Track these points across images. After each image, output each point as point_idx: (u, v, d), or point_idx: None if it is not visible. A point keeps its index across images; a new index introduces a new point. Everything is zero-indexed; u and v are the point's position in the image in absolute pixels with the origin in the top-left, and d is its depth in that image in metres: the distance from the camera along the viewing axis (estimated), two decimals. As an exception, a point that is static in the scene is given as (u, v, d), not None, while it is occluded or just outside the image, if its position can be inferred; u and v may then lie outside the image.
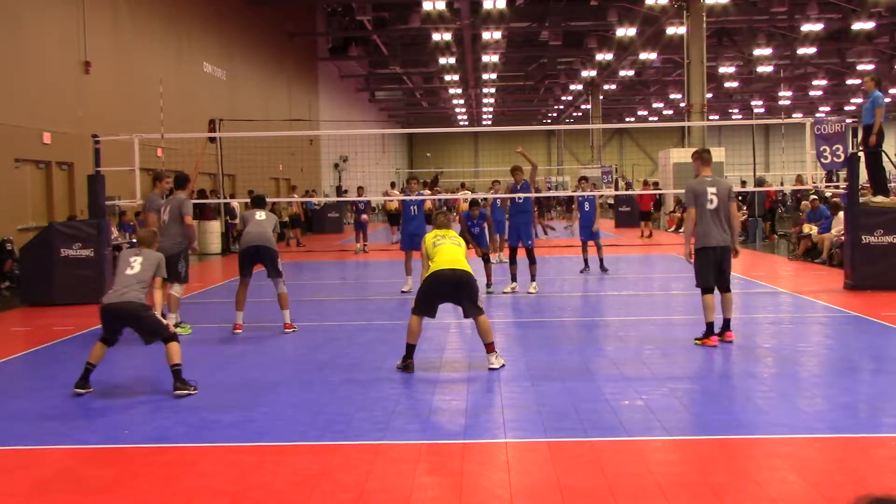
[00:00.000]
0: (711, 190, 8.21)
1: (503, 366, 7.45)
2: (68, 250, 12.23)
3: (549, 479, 4.67)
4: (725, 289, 8.39)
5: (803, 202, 19.12)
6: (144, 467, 5.07)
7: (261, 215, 9.96)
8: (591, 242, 15.17)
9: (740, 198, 26.35)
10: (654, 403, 6.18)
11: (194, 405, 6.45)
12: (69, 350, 8.91)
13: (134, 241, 16.38)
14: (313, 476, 4.81)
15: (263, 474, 4.87)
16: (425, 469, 4.94)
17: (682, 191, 23.07)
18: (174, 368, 6.81)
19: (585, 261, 15.20)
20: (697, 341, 8.42)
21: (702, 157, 8.53)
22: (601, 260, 15.11)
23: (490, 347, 7.46)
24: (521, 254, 12.60)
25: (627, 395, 6.43)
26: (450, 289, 7.44)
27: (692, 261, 8.42)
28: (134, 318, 6.86)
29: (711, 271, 8.26)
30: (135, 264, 7.16)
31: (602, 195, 14.96)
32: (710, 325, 8.30)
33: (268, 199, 10.75)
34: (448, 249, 7.58)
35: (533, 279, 12.56)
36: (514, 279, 12.71)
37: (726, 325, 8.48)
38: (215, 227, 22.37)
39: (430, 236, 7.81)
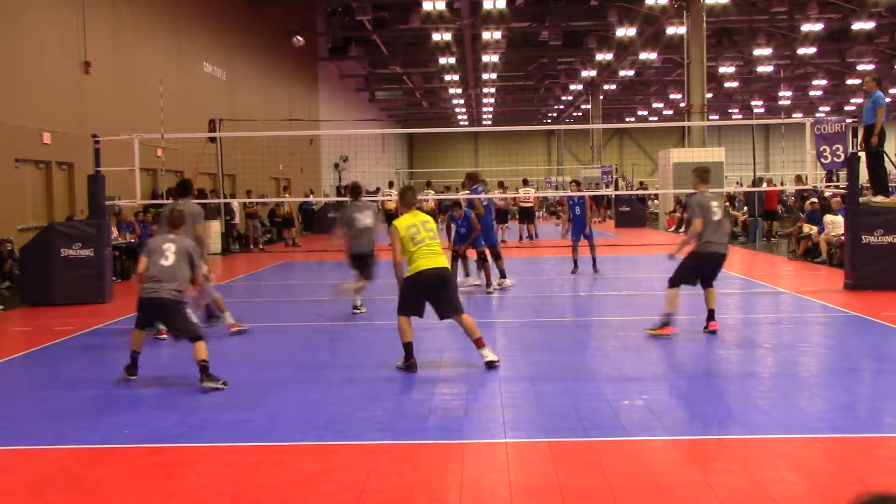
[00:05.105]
0: (715, 203, 8.77)
1: (497, 361, 7.43)
2: (68, 250, 12.23)
3: (549, 479, 4.67)
4: (710, 284, 8.79)
5: (807, 202, 19.13)
6: (144, 467, 5.07)
7: (366, 219, 10.40)
8: (584, 242, 15.17)
9: (739, 198, 26.37)
10: (654, 403, 6.18)
11: (194, 405, 6.45)
12: (69, 350, 8.91)
13: (133, 241, 16.40)
14: (313, 476, 4.81)
15: (263, 474, 4.87)
16: (425, 469, 4.94)
17: (682, 191, 22.96)
18: (201, 364, 6.86)
19: (575, 262, 15.16)
20: (653, 332, 8.64)
21: (702, 175, 9.05)
22: (594, 260, 15.11)
23: (480, 342, 7.45)
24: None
25: (627, 395, 6.43)
26: (434, 288, 7.40)
27: (677, 256, 8.81)
28: (168, 313, 7.11)
29: (695, 275, 8.73)
30: (168, 253, 7.20)
31: (583, 196, 15.02)
32: (668, 316, 8.63)
33: (266, 199, 10.83)
34: (429, 246, 7.40)
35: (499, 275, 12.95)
36: (503, 275, 13.07)
37: (710, 315, 8.80)
38: (215, 227, 22.33)
39: (404, 225, 7.40)
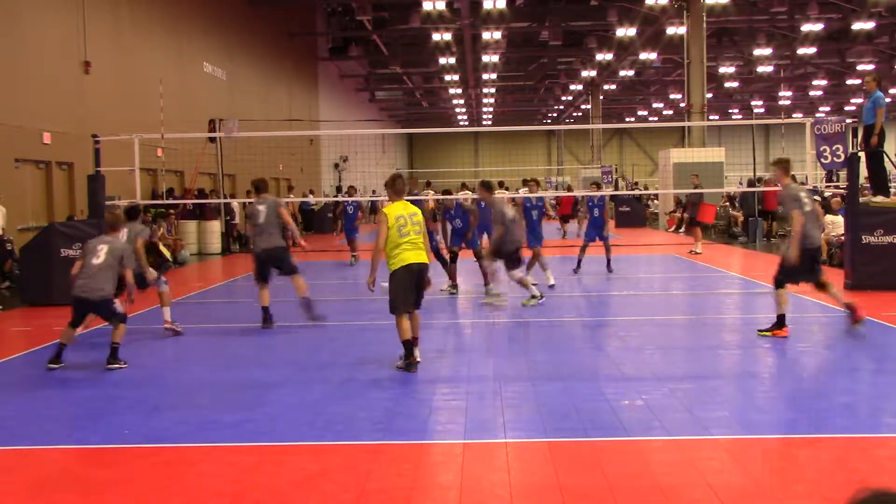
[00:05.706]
0: (803, 194, 8.67)
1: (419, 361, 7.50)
2: (68, 250, 12.22)
3: (549, 479, 4.66)
4: (819, 283, 8.70)
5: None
6: (144, 467, 5.07)
7: (510, 212, 10.99)
8: (598, 243, 15.15)
9: (737, 198, 26.38)
10: (654, 403, 6.18)
11: (194, 405, 6.45)
12: (69, 350, 8.89)
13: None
14: (313, 476, 4.81)
15: (263, 474, 4.87)
16: (425, 469, 4.94)
17: (681, 191, 22.86)
18: (113, 345, 7.71)
19: (579, 261, 15.16)
20: (766, 333, 8.50)
21: (785, 167, 8.90)
22: (608, 261, 15.13)
23: (415, 341, 7.53)
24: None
25: (627, 395, 6.43)
26: (416, 282, 7.49)
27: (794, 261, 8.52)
28: (98, 309, 7.90)
29: (804, 271, 8.56)
30: (101, 253, 7.80)
31: (603, 197, 15.02)
32: (781, 317, 8.50)
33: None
34: (414, 241, 7.45)
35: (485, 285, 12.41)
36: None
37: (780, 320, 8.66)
38: (215, 227, 22.36)
39: (394, 215, 7.42)
